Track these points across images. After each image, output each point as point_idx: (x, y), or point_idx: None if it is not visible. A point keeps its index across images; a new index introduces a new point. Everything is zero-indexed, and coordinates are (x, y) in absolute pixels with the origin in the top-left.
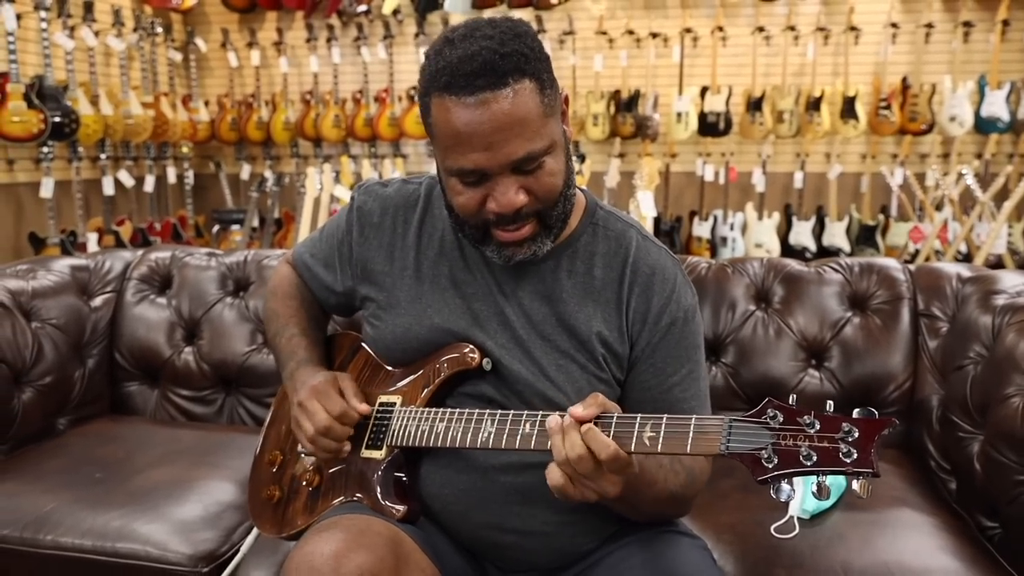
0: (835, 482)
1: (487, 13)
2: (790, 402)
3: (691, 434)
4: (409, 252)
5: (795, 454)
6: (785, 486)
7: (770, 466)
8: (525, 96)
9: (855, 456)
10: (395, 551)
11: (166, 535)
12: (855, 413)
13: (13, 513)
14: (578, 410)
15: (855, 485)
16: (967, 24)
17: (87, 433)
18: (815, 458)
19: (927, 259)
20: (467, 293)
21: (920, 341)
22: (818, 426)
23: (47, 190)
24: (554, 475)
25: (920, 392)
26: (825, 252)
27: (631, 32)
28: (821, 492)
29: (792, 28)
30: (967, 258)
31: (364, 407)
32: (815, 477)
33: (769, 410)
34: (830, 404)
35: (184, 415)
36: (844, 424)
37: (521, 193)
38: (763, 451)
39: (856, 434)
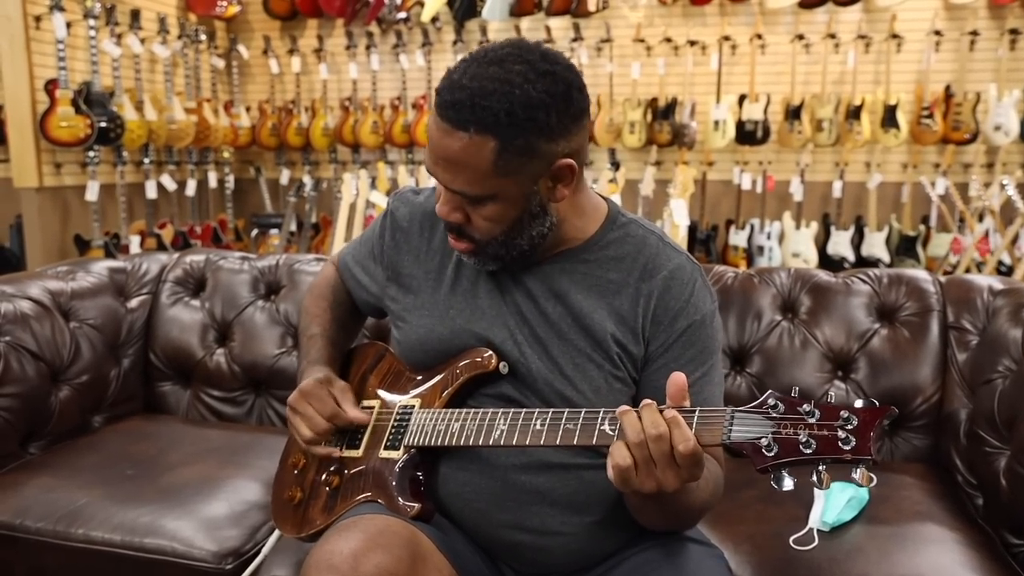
0: (858, 494)
1: (525, 21)
2: (792, 394)
3: (695, 423)
4: (435, 257)
5: (795, 442)
6: (786, 476)
7: (770, 454)
8: (477, 149)
9: (853, 443)
10: (413, 551)
11: (192, 531)
12: (856, 403)
13: (48, 506)
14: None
15: (855, 474)
16: (1014, 32)
17: (121, 431)
18: (814, 446)
19: (967, 271)
20: (488, 295)
21: (949, 354)
22: (818, 415)
23: (92, 193)
24: (621, 456)
25: (948, 406)
26: (864, 262)
27: (669, 40)
28: (822, 482)
29: (832, 36)
30: (1010, 270)
31: (357, 414)
32: (822, 468)
33: (770, 400)
34: (832, 395)
35: (215, 415)
36: (843, 412)
37: (456, 213)
38: (763, 439)
39: (855, 422)
